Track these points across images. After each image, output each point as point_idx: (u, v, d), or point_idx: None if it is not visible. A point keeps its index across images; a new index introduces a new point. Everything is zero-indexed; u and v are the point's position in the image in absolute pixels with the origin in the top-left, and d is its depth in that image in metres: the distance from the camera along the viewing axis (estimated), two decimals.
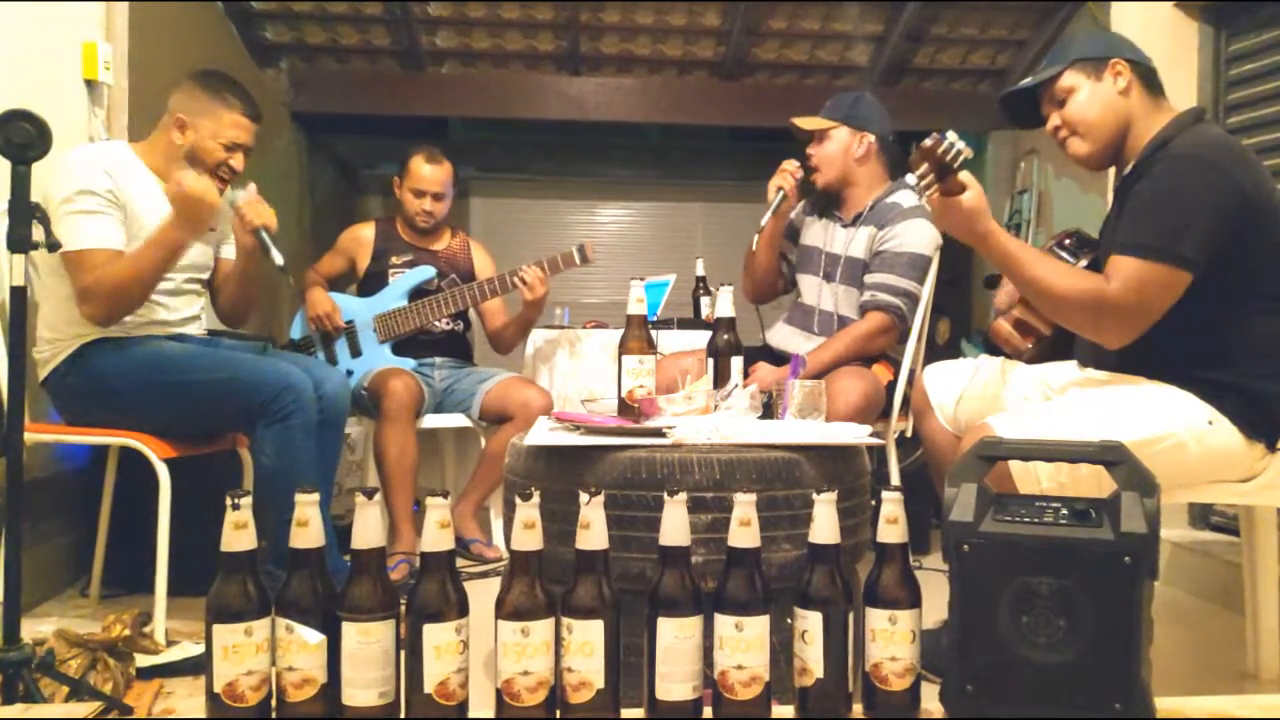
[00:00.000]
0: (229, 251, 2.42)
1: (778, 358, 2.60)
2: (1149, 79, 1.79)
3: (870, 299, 2.52)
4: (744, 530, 1.21)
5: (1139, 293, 1.63)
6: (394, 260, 3.12)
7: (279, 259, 2.25)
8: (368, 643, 1.15)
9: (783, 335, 2.70)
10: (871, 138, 2.60)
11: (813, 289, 2.67)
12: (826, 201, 2.70)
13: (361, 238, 3.18)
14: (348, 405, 2.36)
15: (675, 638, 1.18)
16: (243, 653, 1.15)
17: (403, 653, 1.17)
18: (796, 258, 2.74)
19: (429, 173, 3.05)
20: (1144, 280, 1.62)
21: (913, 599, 1.24)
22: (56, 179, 2.07)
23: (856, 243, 2.58)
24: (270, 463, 2.06)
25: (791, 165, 2.57)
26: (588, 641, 1.16)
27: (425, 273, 3.08)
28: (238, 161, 2.25)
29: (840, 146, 2.59)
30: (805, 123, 2.61)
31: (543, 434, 1.78)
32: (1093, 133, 1.80)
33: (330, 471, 2.28)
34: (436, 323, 3.07)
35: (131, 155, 2.22)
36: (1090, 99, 1.79)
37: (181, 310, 2.30)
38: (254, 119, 2.27)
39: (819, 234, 2.69)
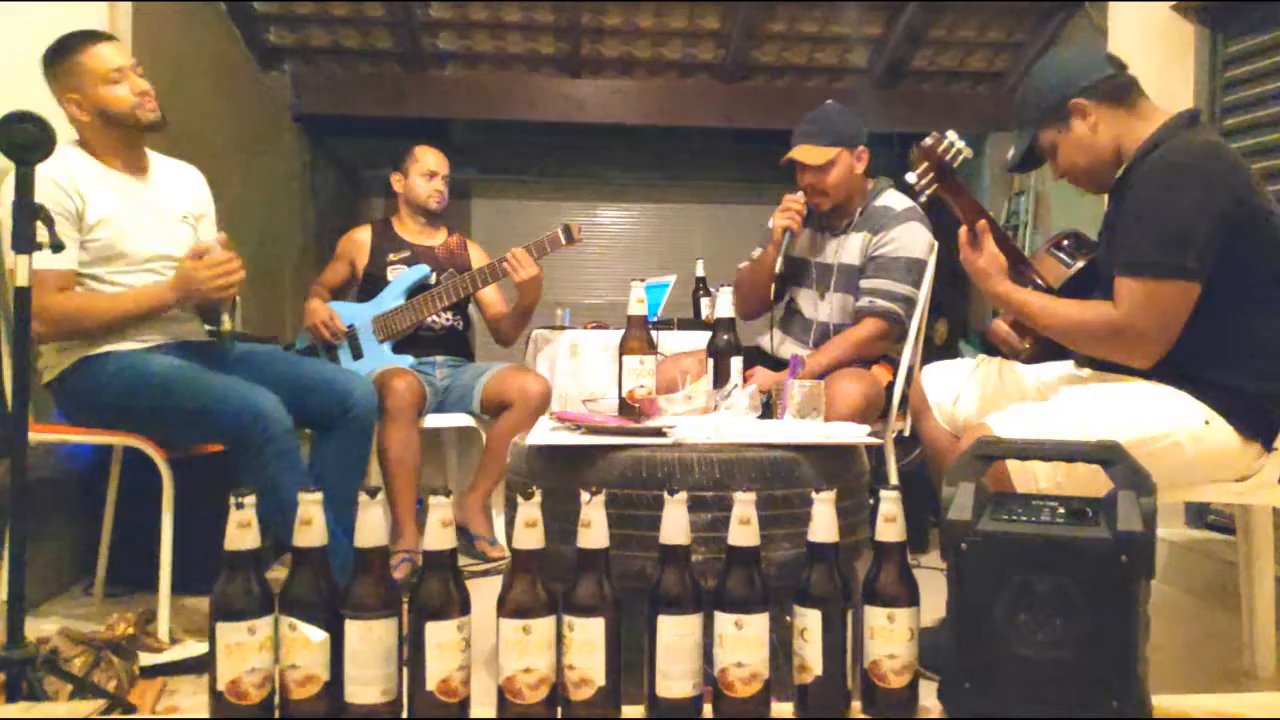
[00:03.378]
0: (206, 231, 2.37)
1: (773, 364, 2.60)
2: (1115, 94, 1.77)
3: (867, 304, 2.52)
4: (743, 529, 1.22)
5: (1149, 312, 1.63)
6: (391, 257, 3.14)
7: (228, 326, 2.19)
8: (370, 641, 1.15)
9: (778, 343, 2.69)
10: (865, 150, 2.59)
11: (808, 301, 2.65)
12: (810, 210, 2.68)
13: (359, 240, 3.21)
14: (375, 413, 2.37)
15: (675, 635, 1.19)
16: (246, 651, 1.15)
17: (405, 650, 1.18)
18: (788, 269, 2.70)
19: (436, 157, 3.17)
20: (1151, 298, 1.63)
21: (911, 597, 1.24)
22: (6, 191, 2.05)
23: (849, 249, 2.58)
24: (255, 482, 2.05)
25: (797, 203, 2.54)
26: (589, 639, 1.17)
27: (420, 271, 3.10)
28: (136, 82, 2.17)
29: (845, 170, 2.54)
30: (809, 156, 2.52)
31: (544, 433, 1.79)
32: (1089, 175, 1.83)
33: (359, 477, 2.28)
34: (435, 317, 3.08)
35: (78, 152, 2.18)
36: (1072, 151, 1.80)
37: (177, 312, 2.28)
38: (107, 39, 2.20)
39: (805, 244, 2.67)
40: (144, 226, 2.20)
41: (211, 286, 2.11)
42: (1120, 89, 1.78)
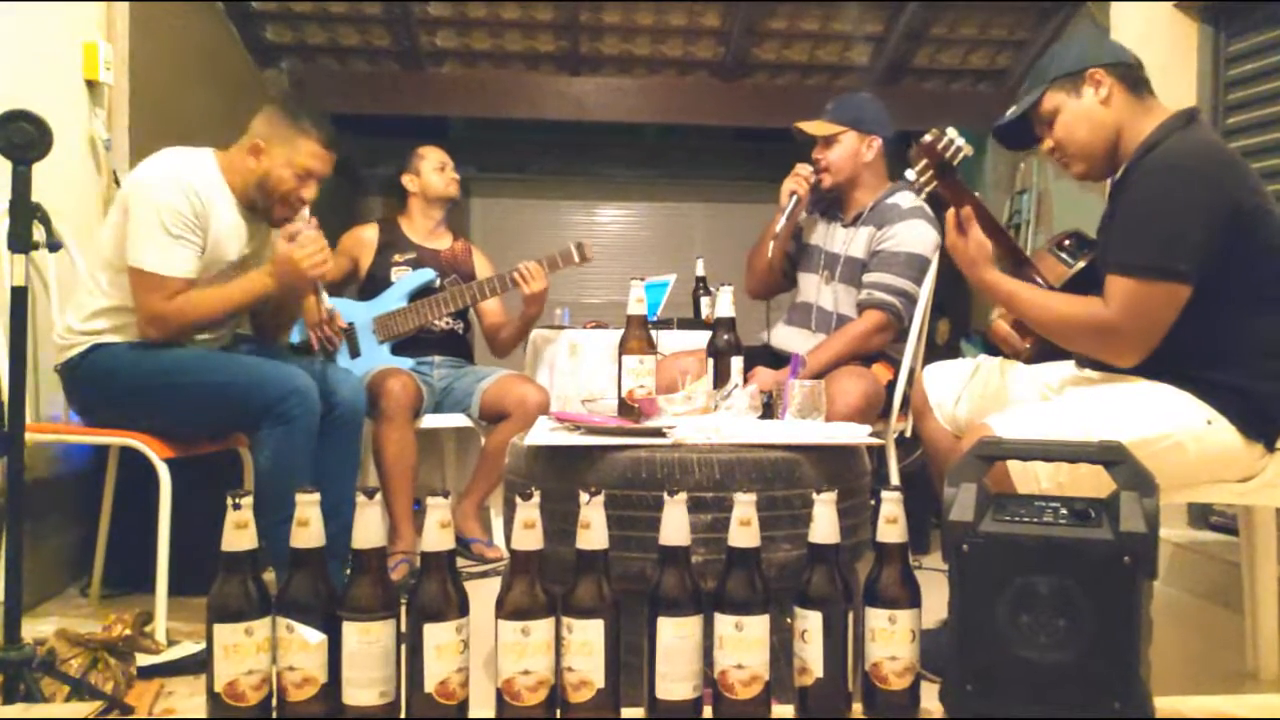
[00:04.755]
0: None
1: (778, 358, 2.61)
2: (1131, 80, 1.77)
3: (867, 298, 2.53)
4: (744, 530, 1.21)
5: (1138, 313, 1.63)
6: (397, 258, 3.14)
7: (329, 306, 2.26)
8: (368, 642, 1.15)
9: (782, 336, 2.71)
10: (879, 141, 2.61)
11: (812, 287, 2.68)
12: (829, 201, 2.70)
13: (364, 238, 3.20)
14: (363, 409, 2.37)
15: (675, 637, 1.19)
16: (243, 652, 1.15)
17: (403, 652, 1.17)
18: (798, 256, 2.75)
19: (440, 153, 3.20)
20: (1141, 300, 1.62)
21: (912, 599, 1.24)
22: (148, 187, 2.09)
23: (856, 243, 2.59)
24: (269, 464, 2.07)
25: (805, 170, 2.57)
26: (588, 641, 1.16)
27: (426, 275, 3.09)
28: (309, 191, 2.22)
29: (850, 150, 2.59)
30: (814, 128, 2.58)
31: (543, 434, 1.79)
32: (1084, 152, 1.80)
33: (351, 476, 2.28)
34: (436, 322, 3.08)
35: (216, 169, 2.21)
36: (1075, 118, 1.78)
37: (213, 335, 2.30)
38: (330, 148, 2.25)
39: (820, 233, 2.70)
40: (245, 252, 2.25)
41: (308, 265, 2.15)
42: (1138, 80, 1.78)
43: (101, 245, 2.16)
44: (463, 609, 1.17)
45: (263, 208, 2.24)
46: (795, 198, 2.55)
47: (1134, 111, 1.76)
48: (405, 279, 3.09)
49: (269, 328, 2.44)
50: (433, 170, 3.16)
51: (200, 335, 2.24)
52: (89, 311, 2.16)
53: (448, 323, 3.13)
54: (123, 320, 2.15)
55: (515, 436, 1.93)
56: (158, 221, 2.07)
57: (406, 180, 3.19)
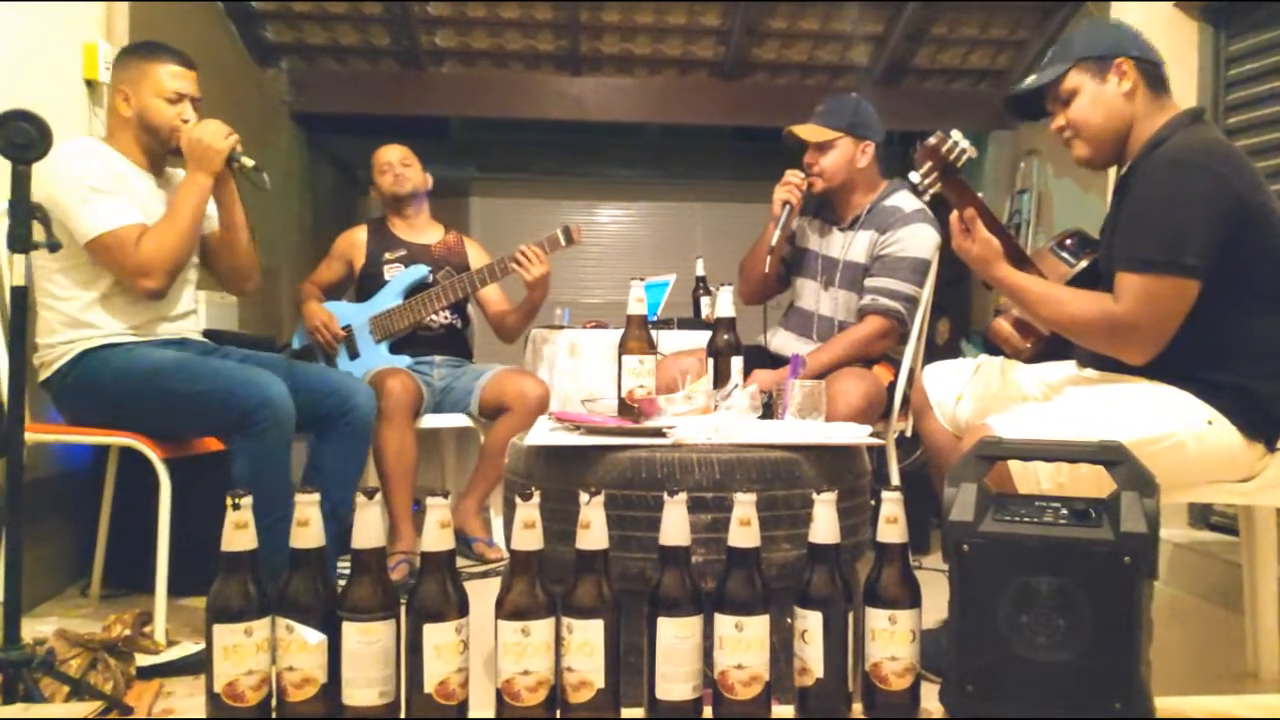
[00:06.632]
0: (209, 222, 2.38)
1: (775, 362, 2.60)
2: (1153, 76, 1.77)
3: (871, 303, 2.52)
4: (744, 530, 1.21)
5: (1149, 308, 1.63)
6: (388, 256, 3.15)
7: (249, 161, 2.24)
8: (368, 642, 1.15)
9: (781, 340, 2.70)
10: (873, 146, 2.59)
11: (811, 294, 2.66)
12: (822, 204, 2.69)
13: (355, 240, 3.21)
14: (373, 415, 2.39)
15: (675, 637, 1.18)
16: (243, 652, 1.15)
17: (403, 652, 1.17)
18: (793, 260, 2.73)
19: (383, 152, 3.22)
20: (1152, 295, 1.62)
21: (912, 599, 1.24)
22: (55, 175, 2.08)
23: (856, 247, 2.57)
24: (243, 474, 2.05)
25: (796, 177, 2.54)
26: (588, 641, 1.16)
27: (419, 271, 3.10)
28: (187, 112, 2.24)
29: (845, 156, 2.56)
30: (808, 133, 2.55)
31: (543, 434, 1.79)
32: (1095, 137, 1.79)
33: (354, 480, 2.29)
34: (433, 316, 3.07)
35: (106, 147, 2.23)
36: (1094, 102, 1.77)
37: (178, 305, 2.30)
38: (187, 66, 2.26)
39: (815, 237, 2.68)
40: (155, 218, 2.22)
41: (219, 137, 2.18)
42: (1161, 79, 1.79)
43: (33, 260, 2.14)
44: (462, 609, 1.17)
45: (158, 146, 2.26)
46: (788, 207, 2.52)
47: (1150, 108, 1.76)
48: (399, 276, 3.10)
49: (230, 238, 2.35)
50: (378, 175, 3.19)
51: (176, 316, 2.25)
52: (51, 323, 2.17)
53: (446, 317, 3.12)
54: (87, 316, 2.16)
55: (515, 436, 1.93)
56: (80, 190, 2.09)
57: (372, 194, 3.24)
